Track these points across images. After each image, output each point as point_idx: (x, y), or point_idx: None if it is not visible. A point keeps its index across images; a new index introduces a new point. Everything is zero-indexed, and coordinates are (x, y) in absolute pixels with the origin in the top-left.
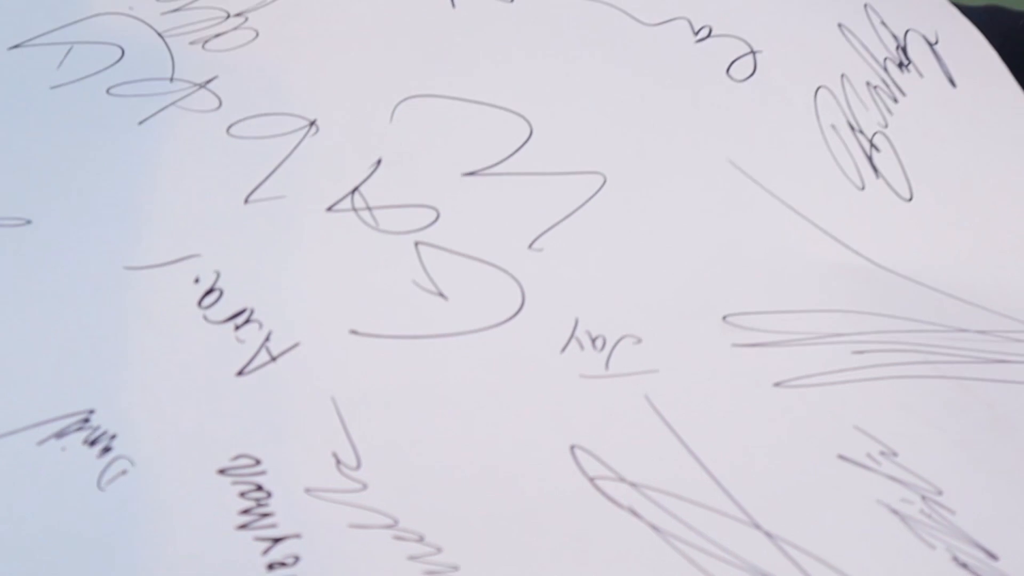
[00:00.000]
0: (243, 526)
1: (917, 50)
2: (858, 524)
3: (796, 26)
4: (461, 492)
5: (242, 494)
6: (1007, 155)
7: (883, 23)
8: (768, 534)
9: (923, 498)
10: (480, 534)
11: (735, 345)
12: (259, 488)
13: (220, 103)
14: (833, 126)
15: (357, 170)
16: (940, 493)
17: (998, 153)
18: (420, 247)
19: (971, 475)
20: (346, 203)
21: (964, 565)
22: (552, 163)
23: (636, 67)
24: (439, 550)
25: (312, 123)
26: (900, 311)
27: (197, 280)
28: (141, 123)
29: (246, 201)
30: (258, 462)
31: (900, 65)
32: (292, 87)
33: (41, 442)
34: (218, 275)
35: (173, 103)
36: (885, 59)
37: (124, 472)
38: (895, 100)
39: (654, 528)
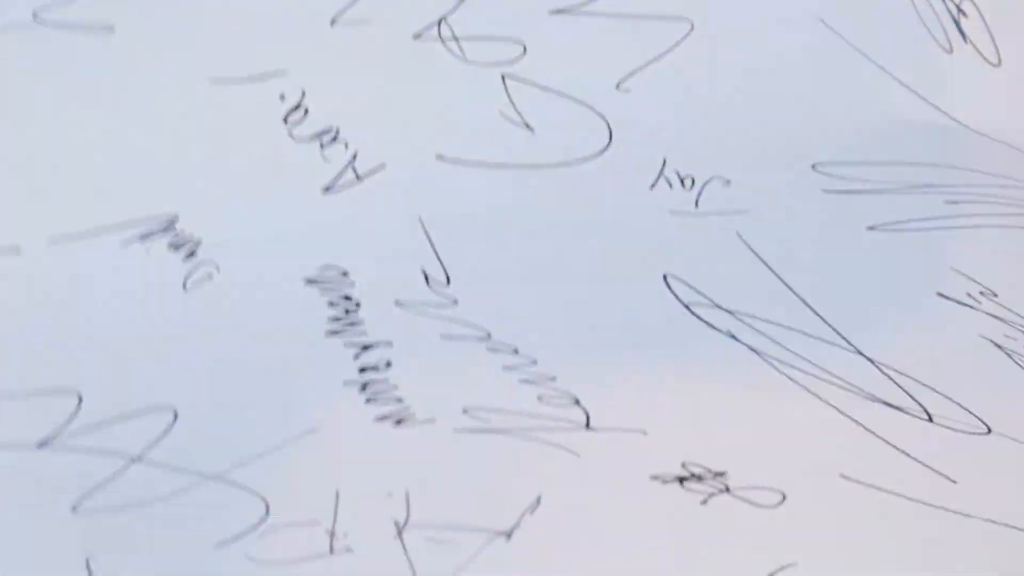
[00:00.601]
0: (333, 332)
1: None
2: (963, 355)
3: None
4: (555, 310)
5: (331, 303)
6: None
7: None
8: (872, 360)
9: None
10: (576, 349)
11: (826, 191)
12: (348, 298)
13: None
14: None
15: None
16: None
17: None
18: (507, 80)
19: None
20: (432, 32)
21: None
22: (639, 5)
23: None
24: (535, 362)
25: None
26: (991, 169)
27: (283, 97)
28: None
29: (332, 23)
30: (346, 274)
31: None
32: None
33: (125, 243)
34: (304, 93)
35: None
36: None
37: (210, 276)
38: None
39: (754, 351)
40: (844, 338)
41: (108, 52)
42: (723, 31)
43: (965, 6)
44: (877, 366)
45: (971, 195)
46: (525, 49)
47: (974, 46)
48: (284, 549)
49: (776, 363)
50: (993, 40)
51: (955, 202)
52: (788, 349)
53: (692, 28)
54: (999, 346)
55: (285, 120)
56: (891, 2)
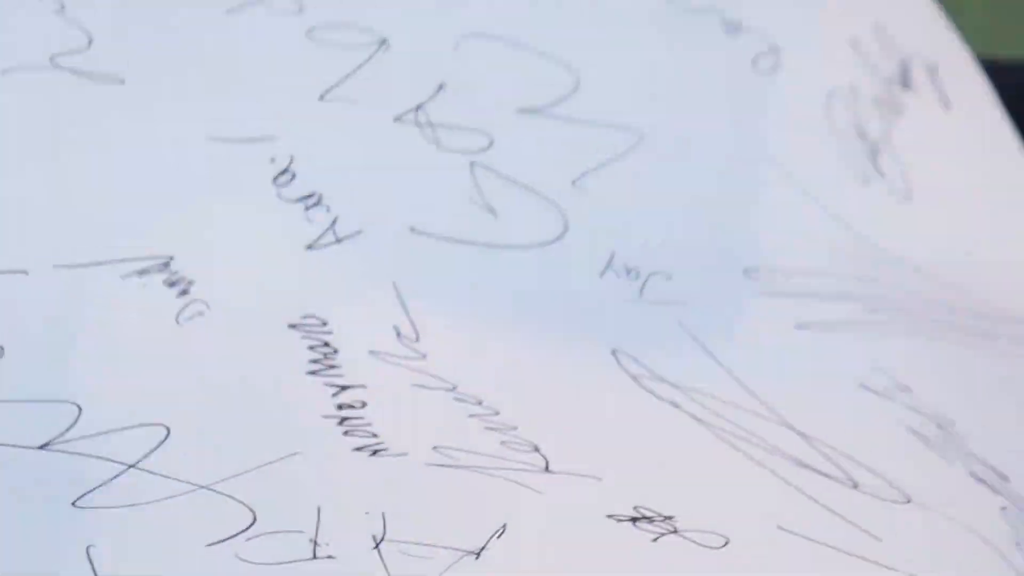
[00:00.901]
0: (313, 372)
1: (919, 73)
2: (884, 439)
3: (813, 35)
4: (514, 372)
5: (311, 347)
6: (992, 172)
7: (892, 44)
8: (803, 434)
9: (938, 426)
10: (535, 406)
11: (757, 294)
12: (326, 344)
13: (301, 8)
14: (841, 128)
15: (422, 89)
16: (953, 424)
17: (983, 170)
18: (475, 168)
19: (979, 414)
20: (410, 117)
21: (982, 480)
22: (596, 113)
23: (670, 46)
24: (497, 413)
25: (383, 41)
26: (903, 286)
27: (273, 160)
28: (228, 12)
29: (321, 98)
30: (325, 323)
31: (903, 84)
32: (369, 3)
33: (124, 276)
34: (292, 159)
35: (259, 1)
36: (890, 77)
37: (201, 313)
38: (897, 115)
39: (696, 418)
40: (779, 415)
41: (118, 102)
42: (668, 146)
43: (881, 145)
44: (807, 440)
45: (887, 306)
46: (492, 141)
47: (887, 181)
48: (271, 552)
49: (716, 430)
50: (904, 179)
51: (874, 311)
52: (726, 419)
53: (641, 139)
54: (915, 432)
55: (274, 181)
56: (817, 138)
